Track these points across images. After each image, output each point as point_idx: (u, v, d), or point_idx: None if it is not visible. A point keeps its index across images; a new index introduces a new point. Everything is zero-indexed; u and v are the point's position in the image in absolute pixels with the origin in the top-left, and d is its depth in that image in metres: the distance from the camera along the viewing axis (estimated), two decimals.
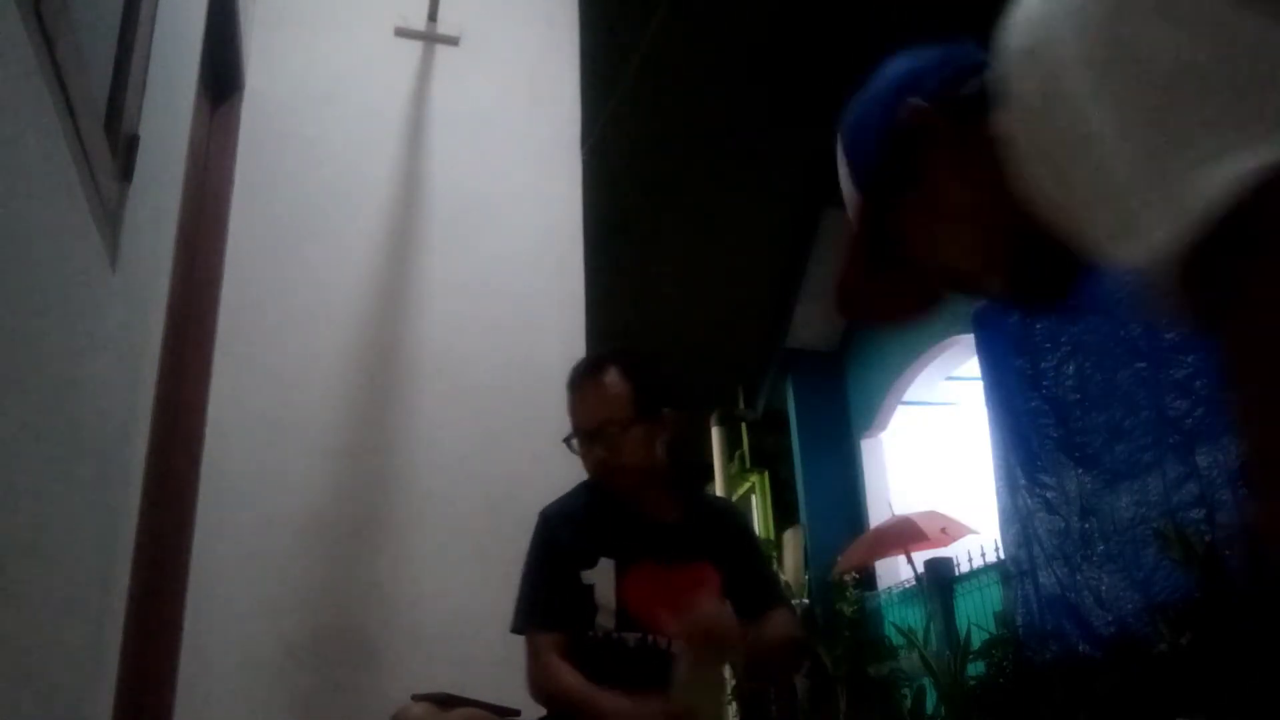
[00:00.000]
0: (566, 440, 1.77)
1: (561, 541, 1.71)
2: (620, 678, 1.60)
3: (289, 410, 2.56)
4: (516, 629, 1.68)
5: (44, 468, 1.16)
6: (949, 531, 5.71)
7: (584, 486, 1.83)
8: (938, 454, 7.30)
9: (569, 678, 1.58)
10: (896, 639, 5.64)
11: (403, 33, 3.04)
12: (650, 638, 1.64)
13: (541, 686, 1.61)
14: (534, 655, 1.64)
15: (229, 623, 2.32)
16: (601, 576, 1.67)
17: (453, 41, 3.07)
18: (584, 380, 1.77)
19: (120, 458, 1.60)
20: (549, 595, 1.67)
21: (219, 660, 2.28)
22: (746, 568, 1.80)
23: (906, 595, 6.28)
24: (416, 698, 1.49)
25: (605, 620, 1.65)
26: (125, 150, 1.43)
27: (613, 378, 1.74)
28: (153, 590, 2.09)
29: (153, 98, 1.56)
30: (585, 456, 1.73)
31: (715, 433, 10.07)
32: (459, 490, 2.61)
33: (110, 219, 1.37)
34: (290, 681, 2.34)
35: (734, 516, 1.98)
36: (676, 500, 1.78)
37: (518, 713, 1.60)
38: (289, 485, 2.50)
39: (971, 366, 6.42)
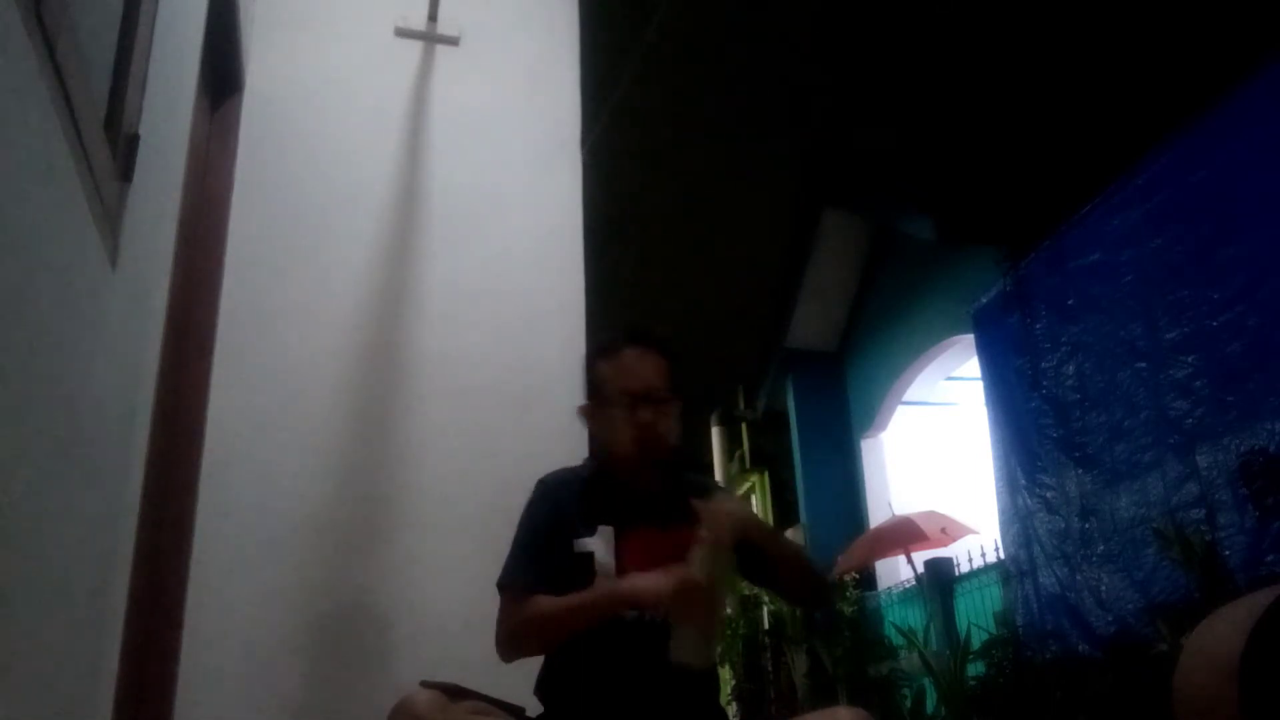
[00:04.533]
0: (595, 406, 1.76)
1: (559, 506, 1.70)
2: (615, 655, 1.59)
3: (289, 410, 2.56)
4: (499, 584, 1.69)
5: (44, 467, 1.16)
6: (949, 531, 5.71)
7: (584, 463, 1.87)
8: (938, 454, 7.31)
9: (546, 601, 1.58)
10: (896, 639, 5.64)
11: (403, 33, 3.04)
12: (646, 613, 1.61)
13: (518, 628, 1.61)
14: (506, 609, 1.65)
15: (229, 622, 2.33)
16: (599, 547, 1.66)
17: (453, 41, 3.07)
18: (634, 345, 1.75)
19: (120, 458, 1.60)
20: (538, 559, 1.66)
21: (219, 660, 2.28)
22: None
23: (906, 595, 6.28)
24: (425, 684, 1.48)
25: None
26: (125, 150, 1.43)
27: (656, 351, 1.75)
28: (153, 590, 2.09)
29: (153, 98, 1.56)
30: (623, 421, 1.69)
31: (715, 433, 10.08)
32: (459, 489, 2.61)
33: (110, 219, 1.37)
34: (290, 681, 2.34)
35: (717, 489, 1.98)
36: (670, 480, 1.78)
37: (522, 710, 1.59)
38: (289, 485, 2.50)
39: (971, 366, 6.43)
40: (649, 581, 1.51)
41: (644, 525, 1.68)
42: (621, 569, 1.63)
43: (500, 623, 1.65)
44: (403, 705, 1.44)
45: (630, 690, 1.59)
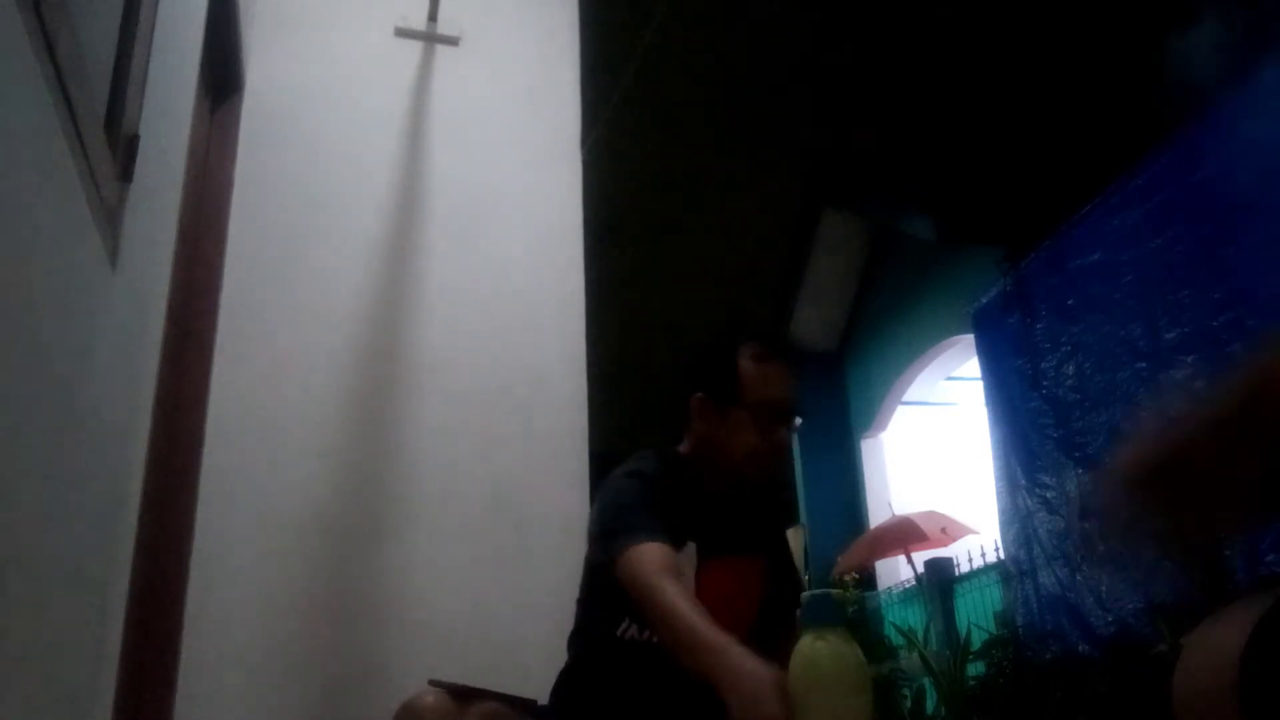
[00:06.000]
0: (720, 405, 1.58)
1: (656, 501, 1.49)
2: (655, 680, 1.52)
3: (289, 410, 2.56)
4: (611, 554, 1.40)
5: (44, 467, 1.16)
6: (949, 531, 5.71)
7: (662, 459, 1.64)
8: (938, 454, 7.31)
9: (673, 596, 1.28)
10: (896, 639, 5.64)
11: (403, 33, 3.04)
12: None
13: (641, 590, 1.33)
14: (638, 561, 1.35)
15: (229, 623, 2.32)
16: (683, 567, 1.51)
17: (453, 41, 3.07)
18: (779, 357, 1.63)
19: (120, 458, 1.60)
20: (654, 516, 1.43)
21: (219, 660, 2.28)
22: (787, 567, 1.76)
23: (906, 595, 6.28)
24: (433, 683, 1.47)
25: None
26: (125, 150, 1.43)
27: (791, 369, 1.64)
28: (153, 590, 2.09)
29: (153, 98, 1.56)
30: (755, 432, 1.56)
31: None
32: (459, 490, 2.61)
33: (110, 219, 1.37)
34: (290, 681, 2.34)
35: (780, 497, 1.92)
36: (759, 504, 1.71)
37: (534, 701, 1.58)
38: (289, 485, 2.50)
39: (971, 366, 6.43)
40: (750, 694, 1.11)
41: (726, 553, 1.58)
42: (698, 597, 1.47)
43: (630, 577, 1.37)
44: (408, 707, 1.43)
45: (663, 712, 1.55)
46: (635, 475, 1.55)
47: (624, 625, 1.57)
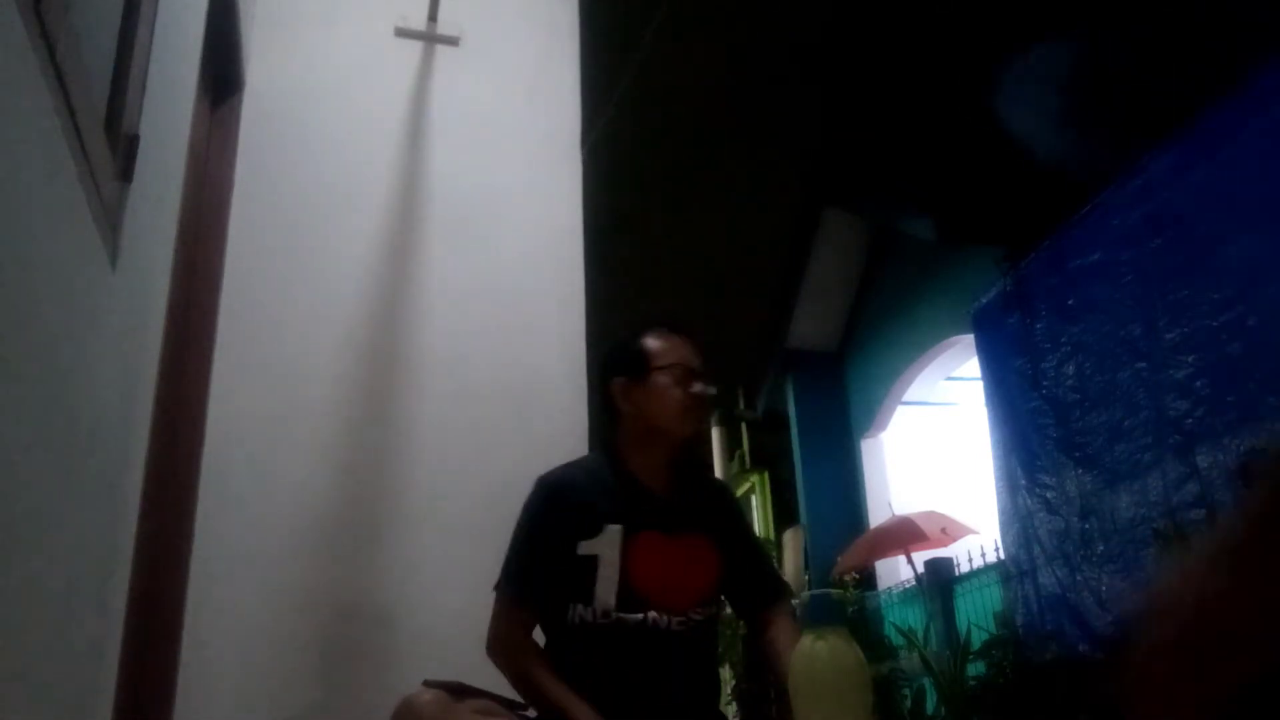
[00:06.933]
0: (635, 381, 1.73)
1: (563, 508, 1.66)
2: (617, 659, 1.59)
3: (289, 410, 2.56)
4: (496, 587, 1.68)
5: (44, 467, 1.16)
6: (949, 531, 5.70)
7: (587, 457, 1.88)
8: (938, 454, 7.30)
9: (546, 674, 1.57)
10: (896, 639, 5.63)
11: (403, 33, 3.04)
12: (650, 616, 1.61)
13: (512, 665, 1.61)
14: (506, 625, 1.64)
15: (229, 622, 2.33)
16: (604, 549, 1.63)
17: (453, 41, 3.07)
18: (682, 331, 1.79)
19: (120, 457, 1.60)
20: (535, 569, 1.65)
21: (219, 660, 2.28)
22: (746, 550, 1.83)
23: (906, 595, 6.28)
24: (428, 683, 1.48)
25: (606, 592, 1.61)
26: (125, 150, 1.43)
27: (699, 344, 1.81)
28: (153, 590, 2.09)
29: (153, 98, 1.56)
30: (675, 390, 1.70)
31: (715, 433, 10.07)
32: (459, 489, 2.61)
33: (110, 219, 1.37)
34: (292, 681, 2.34)
35: (729, 493, 1.99)
36: (678, 473, 1.78)
37: (526, 706, 1.59)
38: (289, 485, 2.50)
39: (971, 366, 6.43)
40: None
41: (653, 529, 1.66)
42: (628, 573, 1.62)
43: (492, 629, 1.65)
44: (406, 705, 1.44)
45: (632, 691, 1.59)
46: (528, 510, 1.70)
47: (572, 610, 1.63)
